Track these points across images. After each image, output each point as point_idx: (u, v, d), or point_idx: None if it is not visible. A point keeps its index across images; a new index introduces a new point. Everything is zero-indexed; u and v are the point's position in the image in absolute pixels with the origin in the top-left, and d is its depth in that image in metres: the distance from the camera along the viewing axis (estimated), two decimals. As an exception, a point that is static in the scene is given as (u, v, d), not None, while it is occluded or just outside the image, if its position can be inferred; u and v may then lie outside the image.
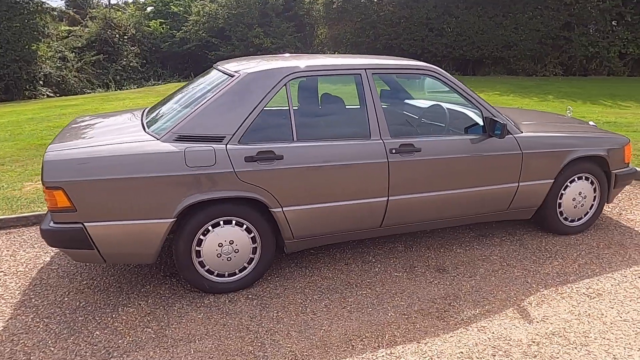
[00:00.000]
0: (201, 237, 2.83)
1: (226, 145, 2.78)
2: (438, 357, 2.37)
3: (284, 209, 2.90)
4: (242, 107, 2.84)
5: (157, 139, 2.76)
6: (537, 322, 2.64)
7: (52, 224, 2.66)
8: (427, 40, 16.53)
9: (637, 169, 4.42)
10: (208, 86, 3.14)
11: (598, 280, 3.07)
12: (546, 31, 15.24)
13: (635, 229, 3.83)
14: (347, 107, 3.26)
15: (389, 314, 2.74)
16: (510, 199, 3.44)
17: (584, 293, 2.92)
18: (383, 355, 2.39)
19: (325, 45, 19.17)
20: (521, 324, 2.62)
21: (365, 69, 3.13)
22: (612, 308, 2.76)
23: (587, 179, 3.66)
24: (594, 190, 3.71)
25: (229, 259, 2.91)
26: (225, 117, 2.81)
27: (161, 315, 2.74)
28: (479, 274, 3.17)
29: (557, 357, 2.36)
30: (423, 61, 3.59)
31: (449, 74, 3.36)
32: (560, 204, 3.63)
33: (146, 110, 3.54)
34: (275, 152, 2.84)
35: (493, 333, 2.55)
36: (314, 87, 3.47)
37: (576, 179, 3.62)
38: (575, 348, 2.42)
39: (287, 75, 2.95)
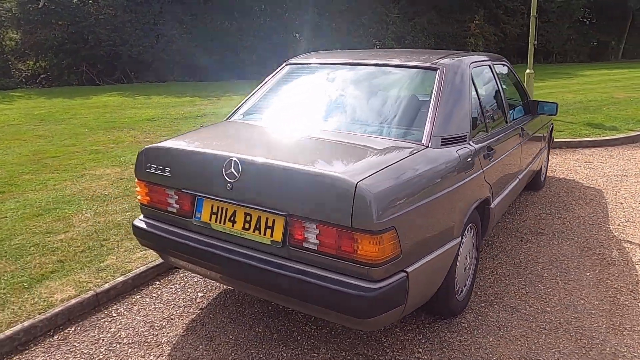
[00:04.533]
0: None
1: (469, 143, 2.49)
2: (665, 287, 2.91)
3: (494, 202, 2.81)
4: (464, 101, 2.58)
5: (426, 147, 2.23)
6: (635, 244, 3.48)
7: (371, 285, 1.83)
8: (157, 46, 15.69)
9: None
10: (389, 81, 2.72)
11: (608, 210, 4.15)
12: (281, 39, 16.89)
13: (555, 176, 5.19)
14: (490, 95, 3.29)
15: (587, 274, 3.07)
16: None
17: (623, 222, 3.93)
18: (645, 301, 2.76)
19: (20, 53, 15.51)
20: (636, 247, 3.41)
21: (491, 60, 3.25)
22: (651, 225, 3.87)
23: (548, 145, 4.77)
24: (548, 152, 4.87)
25: (467, 270, 2.62)
26: (460, 115, 2.51)
27: (445, 351, 2.28)
28: (558, 229, 3.79)
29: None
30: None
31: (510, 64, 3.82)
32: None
33: (278, 116, 2.69)
34: (491, 146, 2.71)
35: (646, 258, 3.25)
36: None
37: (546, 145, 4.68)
38: (686, 252, 3.38)
39: (470, 65, 2.82)
